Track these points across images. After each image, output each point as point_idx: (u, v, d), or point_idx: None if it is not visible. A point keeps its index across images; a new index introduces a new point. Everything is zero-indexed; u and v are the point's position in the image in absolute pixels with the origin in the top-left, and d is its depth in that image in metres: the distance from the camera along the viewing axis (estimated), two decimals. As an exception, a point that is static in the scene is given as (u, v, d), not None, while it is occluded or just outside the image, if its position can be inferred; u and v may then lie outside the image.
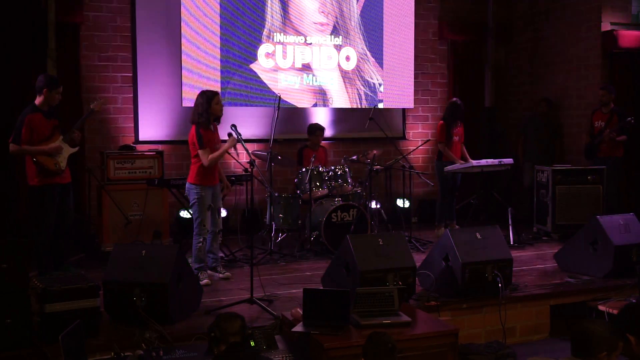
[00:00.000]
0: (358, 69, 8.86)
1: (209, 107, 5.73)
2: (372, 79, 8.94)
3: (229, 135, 5.71)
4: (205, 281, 5.65)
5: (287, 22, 8.45)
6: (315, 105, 8.71)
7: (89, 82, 7.80)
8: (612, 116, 7.76)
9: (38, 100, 5.59)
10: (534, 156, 8.70)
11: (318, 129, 7.81)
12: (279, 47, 8.41)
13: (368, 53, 8.90)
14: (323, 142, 8.47)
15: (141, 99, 8.03)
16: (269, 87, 8.34)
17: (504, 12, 9.84)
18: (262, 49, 8.32)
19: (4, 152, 7.15)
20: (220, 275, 5.93)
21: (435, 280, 5.17)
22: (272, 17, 8.34)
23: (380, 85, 8.98)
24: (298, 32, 8.51)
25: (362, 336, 3.89)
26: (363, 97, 8.91)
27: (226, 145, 5.74)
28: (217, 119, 5.89)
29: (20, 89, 7.35)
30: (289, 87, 8.47)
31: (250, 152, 5.92)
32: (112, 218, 6.79)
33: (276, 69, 8.42)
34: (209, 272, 5.87)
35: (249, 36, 8.23)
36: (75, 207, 6.35)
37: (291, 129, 8.55)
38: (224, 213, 6.21)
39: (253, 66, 8.28)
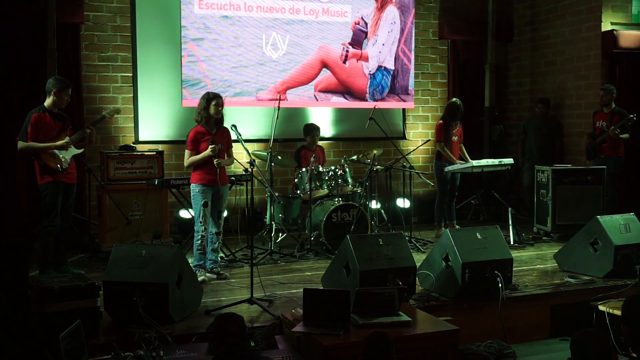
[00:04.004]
0: (358, 69, 8.85)
1: (207, 107, 5.84)
2: (372, 78, 8.92)
3: (211, 143, 5.74)
4: (201, 278, 5.67)
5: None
6: (315, 105, 8.70)
7: (89, 82, 7.80)
8: (613, 116, 7.76)
9: (47, 102, 5.77)
10: (534, 156, 8.70)
11: (314, 129, 7.81)
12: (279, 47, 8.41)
13: (368, 53, 8.89)
14: (323, 142, 8.49)
15: (141, 99, 8.03)
16: (269, 87, 8.34)
17: (504, 12, 9.85)
18: (263, 48, 8.31)
19: (4, 151, 7.19)
20: (216, 276, 5.93)
21: (435, 280, 5.17)
22: (274, 17, 8.33)
23: (380, 84, 8.97)
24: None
25: (362, 336, 3.88)
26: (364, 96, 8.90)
27: (204, 152, 5.78)
28: (218, 120, 5.92)
29: (20, 89, 7.36)
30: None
31: (250, 152, 5.93)
32: (112, 218, 6.78)
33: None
34: (207, 274, 5.88)
35: (250, 35, 8.22)
36: (75, 207, 6.39)
37: (291, 129, 8.55)
38: (224, 213, 6.21)
39: (253, 66, 8.27)
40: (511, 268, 5.24)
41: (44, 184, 5.71)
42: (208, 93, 5.97)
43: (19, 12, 7.27)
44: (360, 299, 4.19)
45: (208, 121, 5.88)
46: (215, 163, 5.76)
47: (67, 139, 5.79)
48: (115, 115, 6.62)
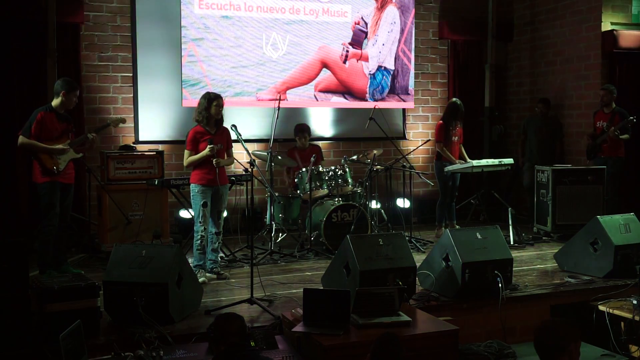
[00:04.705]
0: (358, 69, 8.85)
1: (208, 107, 5.85)
2: (372, 78, 8.92)
3: (209, 143, 5.74)
4: (201, 278, 5.67)
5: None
6: (315, 105, 8.70)
7: (89, 82, 7.80)
8: (614, 116, 7.76)
9: (55, 102, 5.80)
10: (534, 156, 8.70)
11: (299, 130, 7.84)
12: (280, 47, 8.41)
13: (368, 53, 8.89)
14: (323, 142, 8.49)
15: (141, 99, 8.03)
16: (269, 87, 8.34)
17: (504, 12, 9.85)
18: (263, 48, 8.31)
19: (4, 151, 7.19)
20: (216, 276, 5.93)
21: (435, 280, 5.17)
22: (274, 17, 8.33)
23: (380, 85, 8.97)
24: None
25: (362, 336, 3.90)
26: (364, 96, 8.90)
27: (203, 152, 5.78)
28: (217, 121, 5.92)
29: (21, 89, 7.36)
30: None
31: (250, 152, 5.93)
32: (112, 218, 6.78)
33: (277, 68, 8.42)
34: (207, 274, 5.88)
35: (250, 35, 8.22)
36: (75, 207, 6.38)
37: (291, 129, 8.53)
38: (224, 214, 6.21)
39: (253, 66, 8.27)
40: (511, 268, 5.24)
41: (42, 184, 5.72)
42: (209, 93, 5.98)
43: (19, 12, 7.27)
44: (360, 299, 4.19)
45: (208, 121, 5.89)
46: (214, 163, 5.77)
47: (68, 142, 5.80)
48: (120, 125, 6.62)
